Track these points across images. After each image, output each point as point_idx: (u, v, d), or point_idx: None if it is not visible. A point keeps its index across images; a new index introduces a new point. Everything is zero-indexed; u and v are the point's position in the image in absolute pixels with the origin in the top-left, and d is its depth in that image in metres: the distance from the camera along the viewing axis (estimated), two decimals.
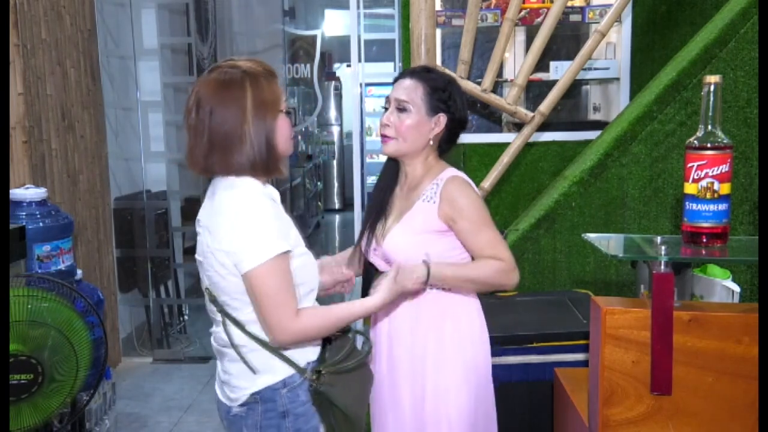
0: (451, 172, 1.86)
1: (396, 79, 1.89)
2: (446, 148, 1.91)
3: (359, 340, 1.74)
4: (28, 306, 2.24)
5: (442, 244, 1.82)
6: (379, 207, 1.92)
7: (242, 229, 1.48)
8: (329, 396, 1.56)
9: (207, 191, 1.61)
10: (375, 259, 1.93)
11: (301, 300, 1.56)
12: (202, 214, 1.59)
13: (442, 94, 1.83)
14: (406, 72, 1.89)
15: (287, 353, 1.55)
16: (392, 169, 1.94)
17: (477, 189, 1.88)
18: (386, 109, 1.86)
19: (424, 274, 1.73)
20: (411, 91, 1.82)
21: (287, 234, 1.55)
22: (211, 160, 1.52)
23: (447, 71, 1.92)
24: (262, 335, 1.54)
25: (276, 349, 1.55)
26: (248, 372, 1.56)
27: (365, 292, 1.97)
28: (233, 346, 1.56)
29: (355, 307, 1.63)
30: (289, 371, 1.56)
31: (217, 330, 1.60)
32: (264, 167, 1.54)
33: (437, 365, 1.83)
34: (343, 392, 1.59)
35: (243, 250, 1.47)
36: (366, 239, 1.92)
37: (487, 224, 1.80)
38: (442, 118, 1.83)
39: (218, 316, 1.57)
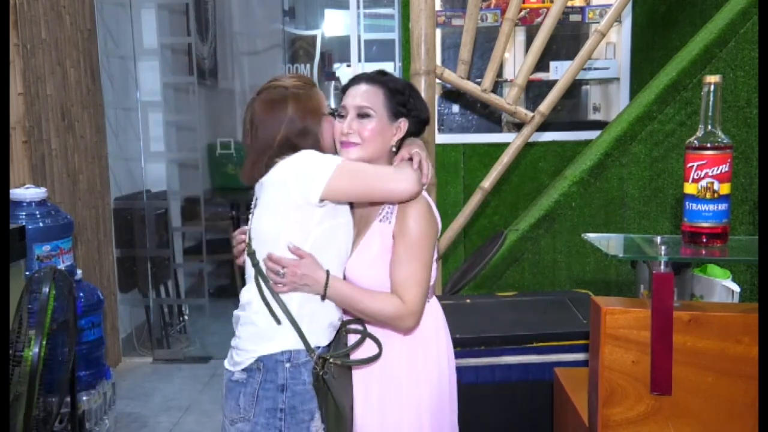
0: None
1: (348, 86, 1.79)
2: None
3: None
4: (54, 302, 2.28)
5: None
6: None
7: (302, 162, 1.61)
8: (329, 386, 1.59)
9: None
10: None
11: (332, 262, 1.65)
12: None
13: (401, 97, 1.74)
14: (361, 77, 1.78)
15: (303, 327, 1.59)
16: None
17: (436, 212, 1.74)
18: (341, 116, 1.74)
19: (323, 280, 1.62)
20: (371, 96, 1.73)
21: None
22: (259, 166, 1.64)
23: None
24: (287, 302, 1.60)
25: (294, 321, 1.59)
26: (257, 335, 1.61)
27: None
28: (263, 298, 1.60)
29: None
30: (297, 345, 1.59)
31: (245, 288, 1.66)
32: None
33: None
34: (339, 389, 1.61)
35: (309, 174, 1.58)
36: None
37: (420, 259, 1.66)
38: (404, 124, 1.75)
39: (252, 272, 1.64)
